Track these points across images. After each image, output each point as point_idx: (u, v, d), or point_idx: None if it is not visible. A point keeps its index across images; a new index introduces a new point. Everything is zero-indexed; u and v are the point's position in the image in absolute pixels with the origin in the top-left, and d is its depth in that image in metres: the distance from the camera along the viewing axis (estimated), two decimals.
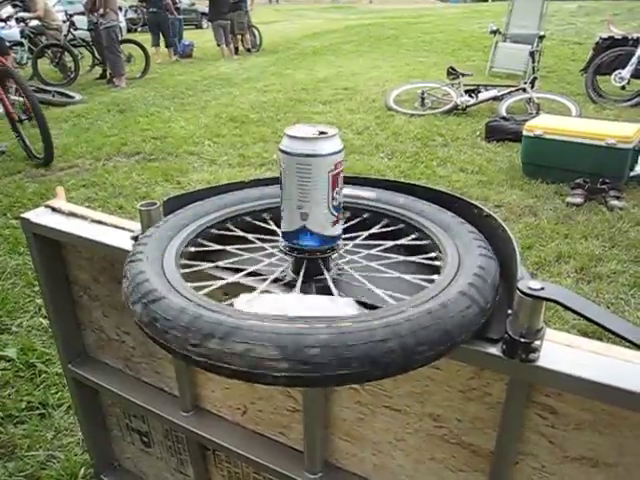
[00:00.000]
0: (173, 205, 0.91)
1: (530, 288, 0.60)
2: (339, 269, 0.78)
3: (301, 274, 0.74)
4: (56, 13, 8.95)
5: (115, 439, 1.36)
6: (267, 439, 1.02)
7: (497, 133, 4.52)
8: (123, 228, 1.01)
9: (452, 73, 5.69)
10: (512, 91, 5.46)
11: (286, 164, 0.70)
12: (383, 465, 0.90)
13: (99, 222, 1.06)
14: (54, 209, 1.13)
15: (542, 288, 0.60)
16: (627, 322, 0.61)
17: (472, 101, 5.41)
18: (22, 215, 1.11)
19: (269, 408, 0.98)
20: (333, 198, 0.70)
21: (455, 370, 0.75)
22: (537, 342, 0.61)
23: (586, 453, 0.70)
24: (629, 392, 0.59)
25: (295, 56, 10.56)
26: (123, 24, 14.32)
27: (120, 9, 15.69)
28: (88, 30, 8.48)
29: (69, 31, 8.51)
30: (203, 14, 18.64)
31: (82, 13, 8.53)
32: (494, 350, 0.64)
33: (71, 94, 7.12)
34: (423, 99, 5.58)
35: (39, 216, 1.11)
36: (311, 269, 0.75)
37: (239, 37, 11.57)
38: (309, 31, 14.80)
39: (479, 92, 5.48)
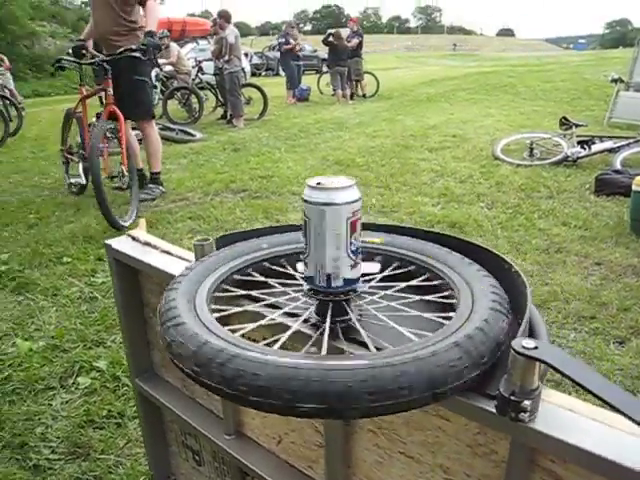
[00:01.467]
0: (224, 242, 1.00)
1: (523, 347, 0.61)
2: (360, 310, 0.83)
3: (329, 315, 0.79)
4: (187, 60, 9.79)
5: (172, 454, 1.45)
6: (298, 471, 1.06)
7: (607, 187, 4.30)
8: (186, 259, 1.12)
9: (565, 123, 5.52)
10: (630, 143, 5.18)
11: (307, 212, 0.76)
12: None
13: (167, 252, 1.17)
14: (133, 238, 1.26)
15: (535, 347, 0.61)
16: (629, 395, 0.60)
17: (584, 153, 5.20)
18: (106, 241, 1.26)
19: (300, 441, 1.03)
20: (351, 243, 0.76)
21: (463, 423, 0.76)
22: (527, 402, 0.61)
23: None
24: (629, 470, 0.56)
25: (409, 102, 10.71)
26: (248, 69, 15.38)
27: (246, 55, 16.90)
28: (214, 74, 9.20)
29: (197, 75, 9.31)
30: (324, 60, 19.56)
31: (209, 59, 9.27)
32: (492, 407, 0.65)
33: (192, 132, 7.69)
34: (532, 149, 5.44)
35: (120, 243, 1.25)
36: (334, 311, 0.80)
37: (355, 83, 11.96)
38: (426, 78, 14.96)
39: (593, 143, 5.26)
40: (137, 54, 3.88)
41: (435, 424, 0.79)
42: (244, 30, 67.08)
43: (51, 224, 3.87)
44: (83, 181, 4.38)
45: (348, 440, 0.92)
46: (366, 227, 0.95)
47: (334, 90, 11.57)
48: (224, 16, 8.70)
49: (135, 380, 1.36)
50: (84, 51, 4.32)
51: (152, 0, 4.03)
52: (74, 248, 3.35)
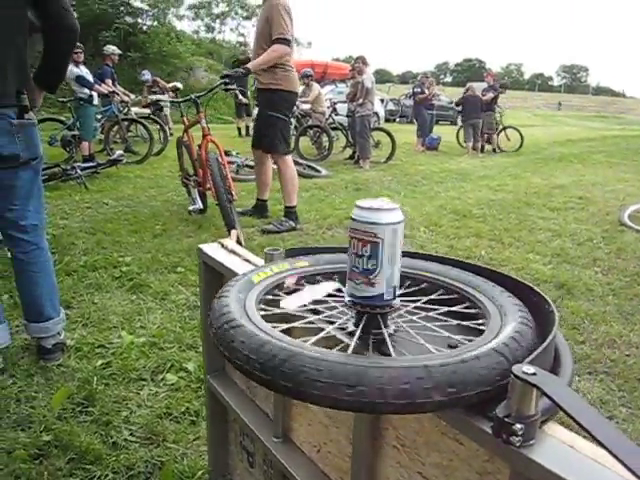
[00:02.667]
0: (292, 254, 1.10)
1: (523, 372, 0.64)
2: (396, 326, 0.88)
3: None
4: (324, 100, 10.28)
5: (231, 454, 1.55)
6: None
7: None
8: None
9: None
10: None
11: None
12: None
13: (247, 260, 1.29)
14: (222, 245, 1.40)
15: (534, 374, 0.63)
16: (623, 436, 0.60)
17: None
18: (199, 245, 1.41)
19: (335, 451, 1.08)
20: (362, 262, 0.83)
21: (474, 449, 0.78)
22: (519, 425, 0.63)
23: None
24: None
25: (539, 160, 10.41)
26: (382, 114, 15.78)
27: (382, 101, 17.35)
28: (346, 116, 9.56)
29: (330, 115, 9.71)
30: (459, 112, 19.57)
31: (344, 101, 9.67)
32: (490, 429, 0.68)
33: (319, 169, 8.02)
34: None
35: (210, 248, 1.39)
36: (367, 323, 0.86)
37: (487, 136, 11.86)
38: (562, 137, 14.48)
39: None
40: (226, 80, 4.38)
41: (450, 447, 0.82)
42: (385, 77, 68.74)
43: (173, 236, 4.23)
44: (200, 206, 4.67)
45: (375, 455, 0.96)
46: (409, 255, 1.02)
47: (465, 142, 11.56)
48: (362, 61, 9.08)
49: (207, 377, 1.49)
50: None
51: (278, 44, 4.24)
52: (188, 260, 3.63)
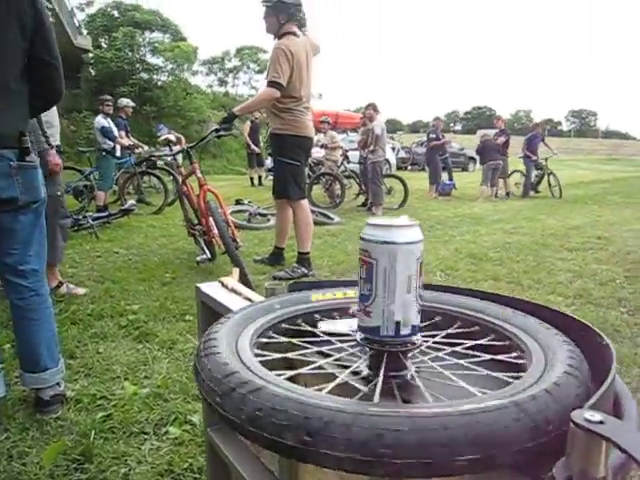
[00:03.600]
0: (295, 288, 0.99)
1: (585, 419, 0.50)
2: (417, 365, 0.75)
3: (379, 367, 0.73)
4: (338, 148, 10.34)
5: None
6: None
7: None
8: None
9: None
10: None
11: (373, 253, 0.73)
12: None
13: (248, 299, 1.18)
14: (223, 284, 1.29)
15: (601, 422, 0.50)
16: None
17: None
18: (197, 284, 1.30)
19: None
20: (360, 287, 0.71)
21: None
22: None
23: None
24: None
25: (553, 202, 10.33)
26: (393, 161, 15.86)
27: (393, 149, 17.49)
28: (358, 163, 9.57)
29: (342, 163, 9.72)
30: (470, 158, 19.61)
31: (355, 149, 9.72)
32: None
33: (331, 216, 7.96)
34: None
35: (208, 287, 1.28)
36: (395, 363, 0.74)
37: (500, 180, 11.84)
38: (575, 180, 14.42)
39: None
40: (216, 127, 4.46)
41: None
42: (396, 126, 69.68)
43: (182, 284, 4.13)
44: (208, 256, 4.53)
45: None
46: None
47: (481, 185, 11.49)
48: (373, 108, 9.14)
49: (207, 430, 1.35)
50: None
51: (268, 87, 4.20)
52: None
